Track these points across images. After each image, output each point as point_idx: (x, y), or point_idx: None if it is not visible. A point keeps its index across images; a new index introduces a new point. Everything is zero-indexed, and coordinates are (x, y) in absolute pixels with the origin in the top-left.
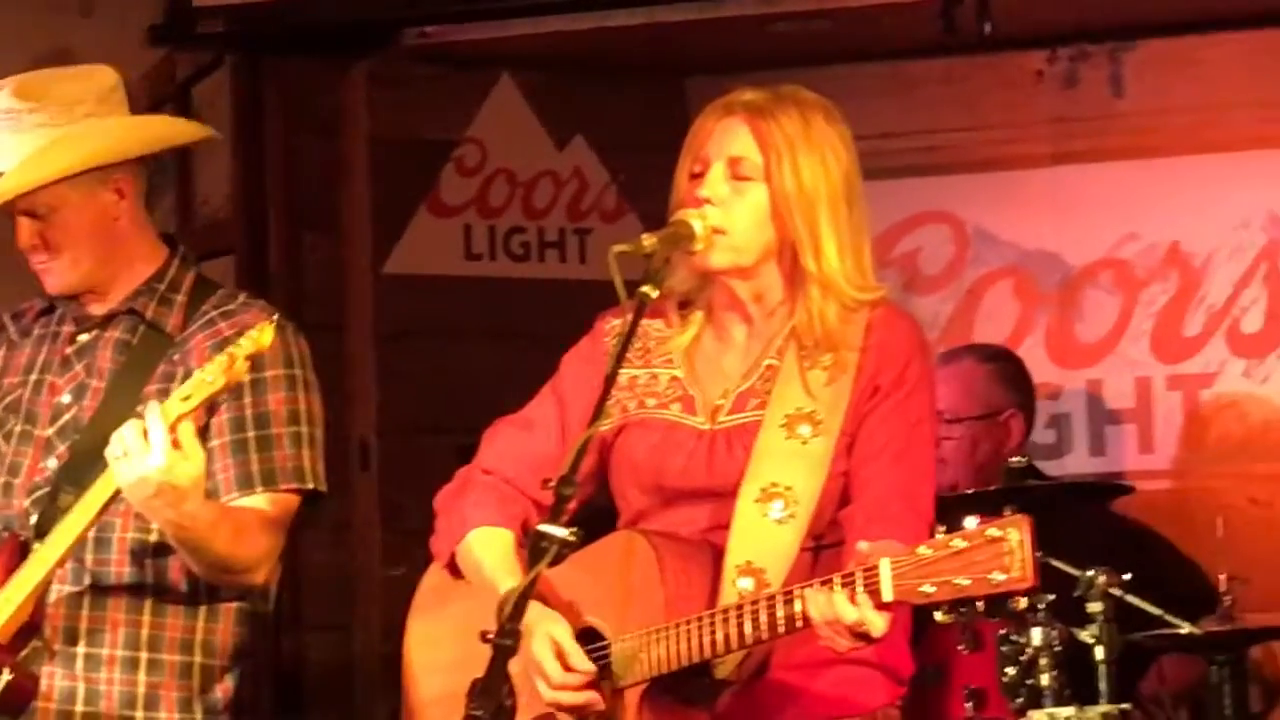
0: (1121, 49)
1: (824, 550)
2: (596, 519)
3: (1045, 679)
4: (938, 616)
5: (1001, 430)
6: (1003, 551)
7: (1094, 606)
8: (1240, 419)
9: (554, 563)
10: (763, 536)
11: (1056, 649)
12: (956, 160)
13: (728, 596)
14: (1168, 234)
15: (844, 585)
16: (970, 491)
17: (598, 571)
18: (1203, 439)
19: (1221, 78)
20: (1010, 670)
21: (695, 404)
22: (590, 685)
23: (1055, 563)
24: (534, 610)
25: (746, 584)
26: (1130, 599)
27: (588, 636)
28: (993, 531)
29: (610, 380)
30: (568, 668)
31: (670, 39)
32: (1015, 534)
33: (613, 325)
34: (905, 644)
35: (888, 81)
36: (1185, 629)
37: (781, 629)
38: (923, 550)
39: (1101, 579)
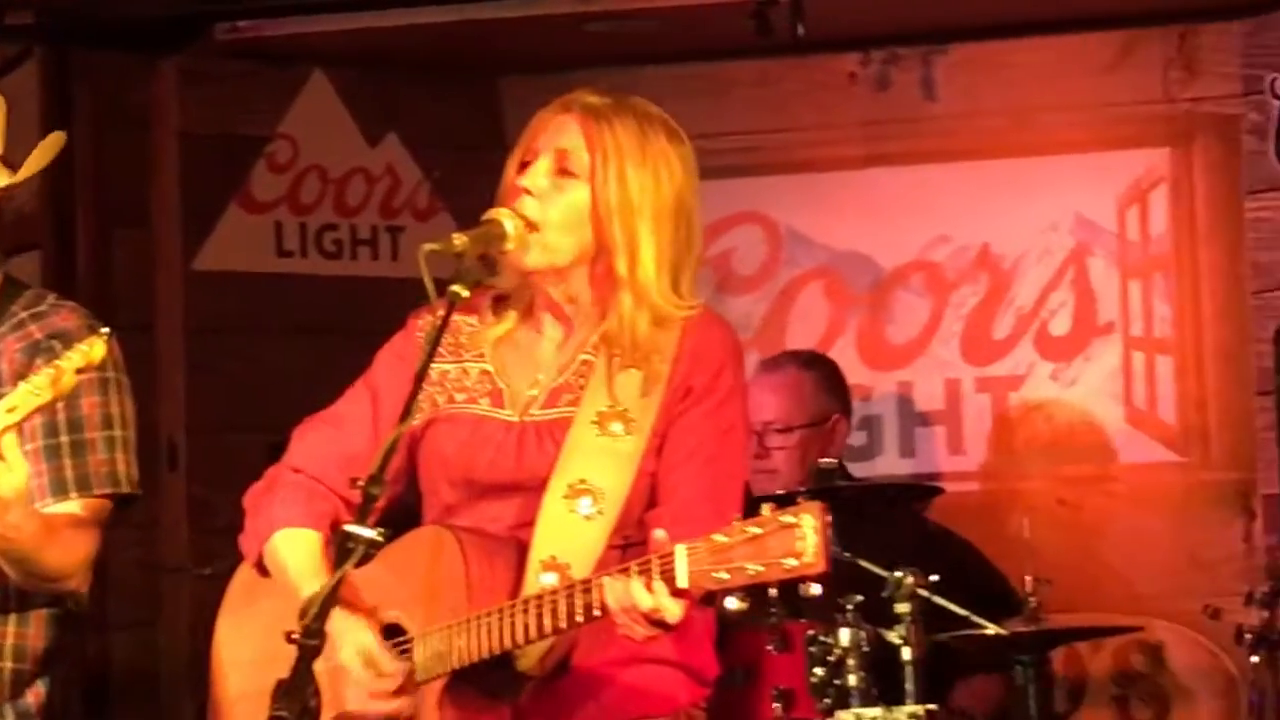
0: (933, 52)
1: (631, 549)
2: (406, 516)
3: (853, 679)
4: (731, 605)
5: (829, 436)
6: (795, 537)
7: (902, 607)
8: (1047, 421)
9: (361, 563)
10: (569, 532)
11: (864, 650)
12: (770, 161)
13: (530, 591)
14: (978, 237)
15: (640, 573)
16: (780, 493)
17: (403, 568)
18: (1011, 441)
19: (1031, 82)
20: (818, 671)
21: (504, 397)
22: (403, 687)
23: (864, 563)
24: (339, 619)
25: (550, 579)
26: (937, 600)
27: (391, 632)
28: (786, 518)
29: (420, 379)
30: (379, 674)
31: (485, 37)
32: (809, 519)
33: (425, 322)
34: (709, 645)
35: (703, 82)
36: (991, 630)
37: (580, 618)
38: (718, 537)
39: (909, 580)
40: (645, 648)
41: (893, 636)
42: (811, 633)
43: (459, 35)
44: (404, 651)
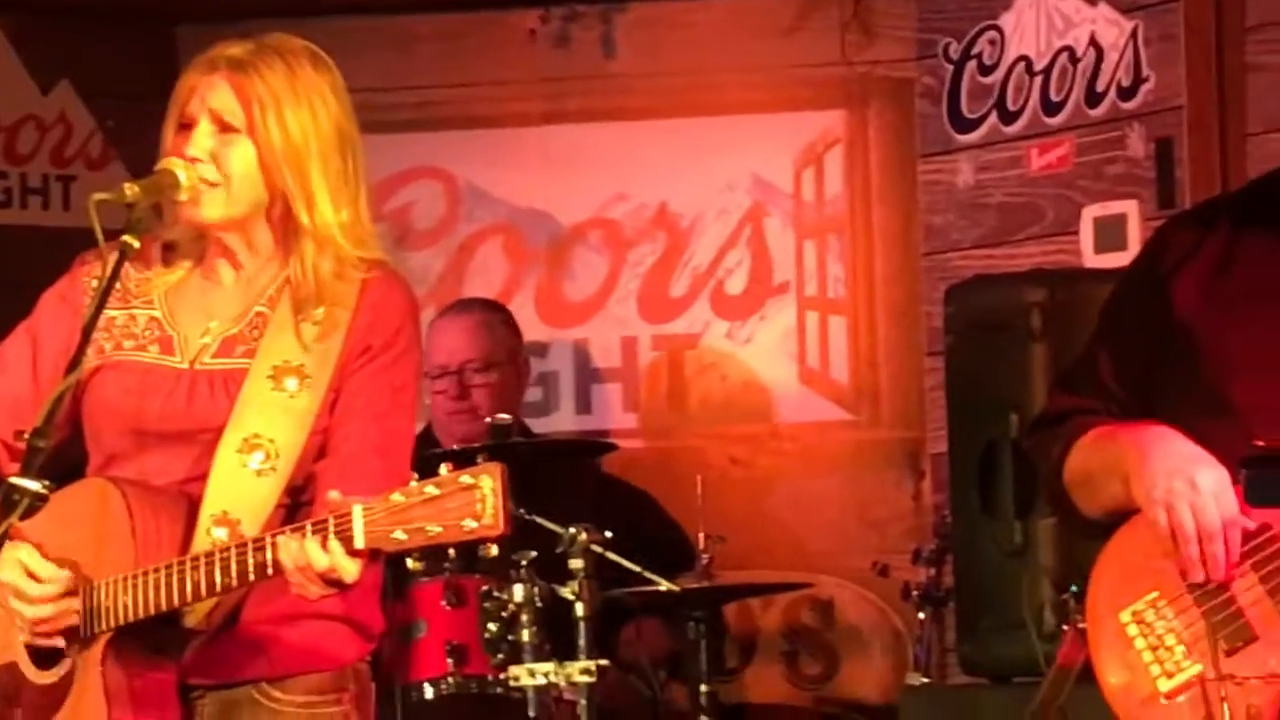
0: (613, 10)
1: (301, 506)
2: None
3: (526, 635)
4: (410, 564)
5: (523, 374)
6: (475, 499)
7: (575, 563)
8: (722, 380)
9: (25, 515)
10: (241, 487)
11: (538, 605)
12: (449, 116)
13: (200, 545)
14: (656, 195)
15: (316, 532)
16: (456, 448)
17: (68, 521)
18: (685, 399)
19: (710, 42)
20: (492, 626)
21: (174, 344)
22: (67, 594)
23: (538, 519)
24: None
25: (221, 534)
26: (611, 556)
27: None
28: (465, 479)
29: (88, 332)
30: (40, 580)
31: None
32: (488, 481)
33: (92, 268)
34: (375, 599)
35: (382, 36)
36: (664, 586)
37: (253, 577)
38: (396, 497)
39: (583, 536)
40: (312, 603)
41: (566, 592)
42: (485, 588)
43: None
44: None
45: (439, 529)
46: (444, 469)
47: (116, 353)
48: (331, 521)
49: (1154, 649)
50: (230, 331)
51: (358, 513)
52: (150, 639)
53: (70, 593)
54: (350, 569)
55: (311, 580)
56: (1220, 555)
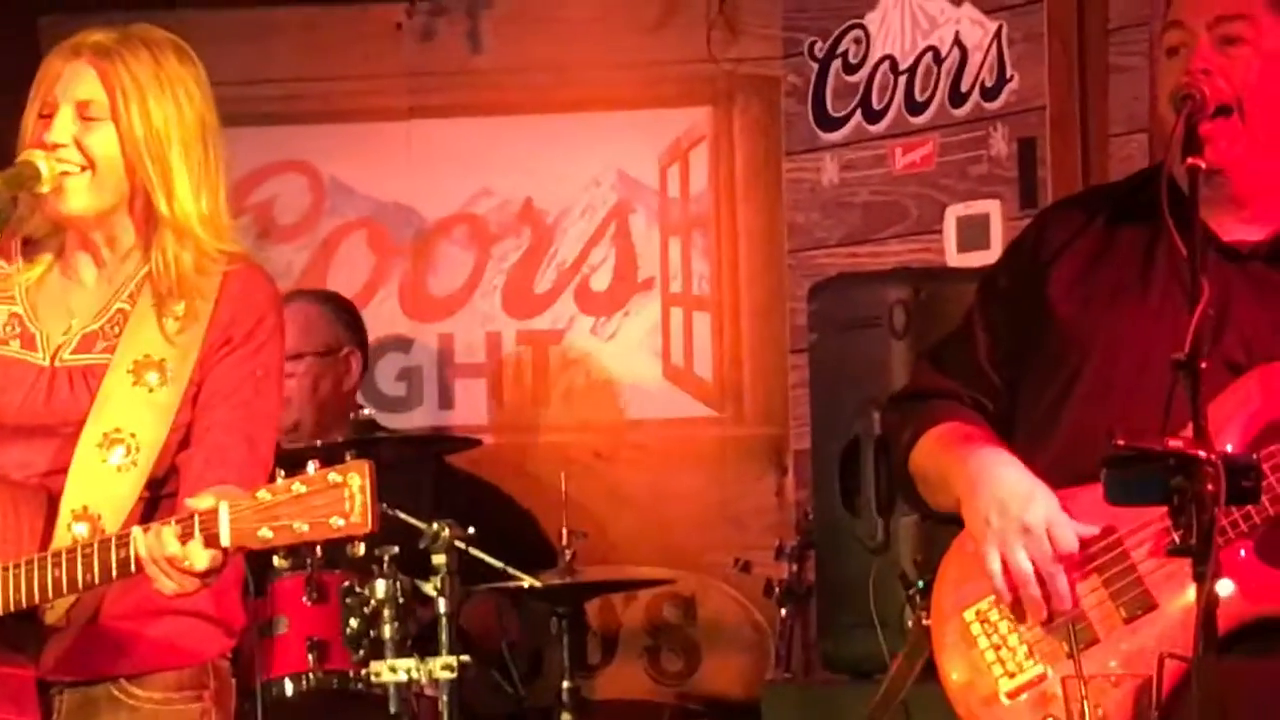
0: (479, 5)
1: (163, 499)
2: None
3: (388, 631)
4: (276, 562)
5: (342, 366)
6: (343, 496)
7: (438, 559)
8: (586, 375)
9: None
10: (101, 482)
11: (400, 601)
12: (313, 110)
13: (61, 540)
14: (521, 191)
15: (182, 531)
16: (318, 444)
17: None
18: (550, 394)
19: (577, 37)
20: (354, 622)
21: (36, 341)
22: None
23: (401, 515)
24: None
25: (81, 529)
26: (474, 552)
27: None
28: (334, 476)
29: None
30: None
31: None
32: (356, 478)
33: None
34: (236, 594)
35: (246, 27)
36: (526, 582)
37: (115, 573)
38: (262, 495)
39: (446, 532)
40: (172, 599)
41: (428, 588)
42: (347, 584)
43: None
44: None
45: (306, 527)
46: (311, 466)
47: None
48: (196, 520)
49: (996, 648)
50: (90, 328)
51: (224, 510)
52: (8, 635)
53: None
54: (201, 558)
55: (167, 573)
56: (1063, 588)
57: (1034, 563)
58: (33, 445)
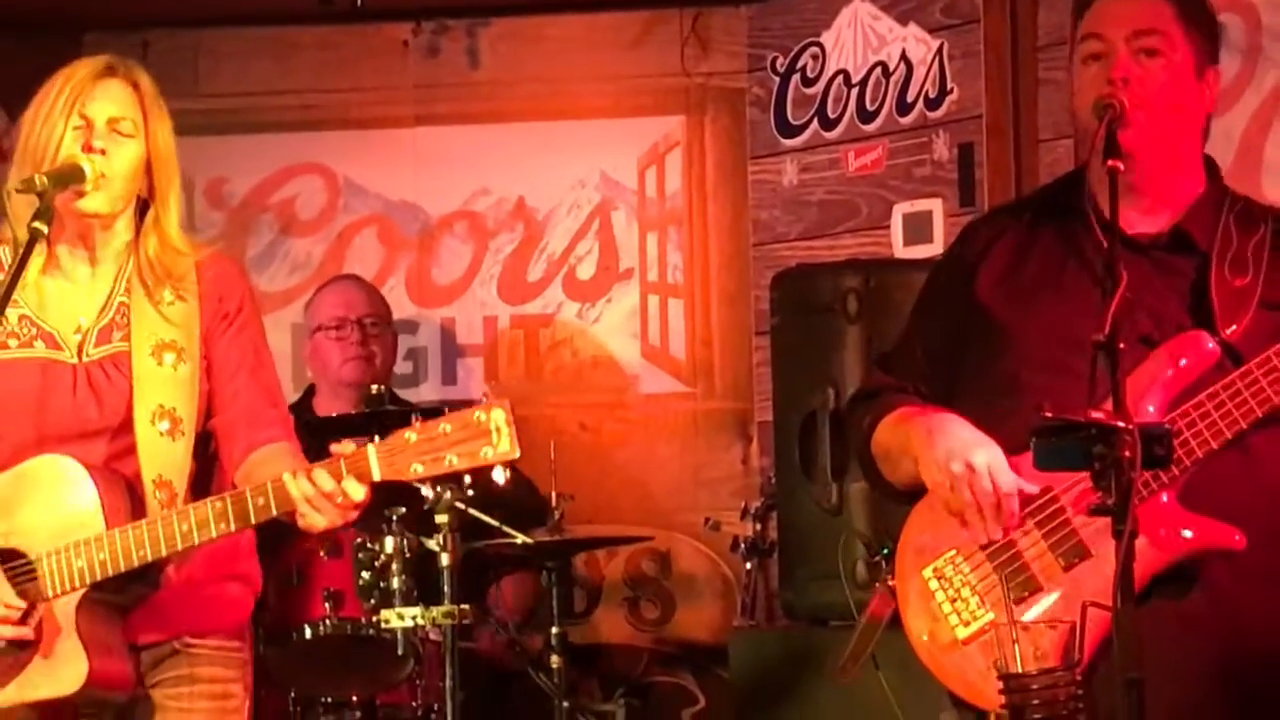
0: (478, 25)
1: (210, 463)
2: None
3: (396, 582)
4: (425, 491)
5: (396, 340)
6: (489, 430)
7: (441, 518)
8: (573, 355)
9: None
10: (164, 453)
11: (407, 556)
12: (330, 118)
13: (151, 508)
14: (515, 190)
15: (332, 472)
16: (335, 415)
17: (20, 497)
18: (540, 371)
19: (564, 54)
20: (365, 574)
21: (56, 339)
22: (26, 614)
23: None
24: None
25: (162, 496)
26: (473, 512)
27: (8, 556)
28: (478, 414)
29: (3, 302)
30: (6, 604)
31: None
32: (499, 414)
33: None
34: (256, 559)
35: (269, 45)
36: (520, 539)
37: (254, 518)
38: (409, 435)
39: (448, 494)
40: (221, 567)
41: (432, 544)
42: (359, 540)
43: None
44: (25, 572)
45: (456, 459)
46: (447, 410)
47: (4, 352)
48: (343, 462)
49: (952, 600)
50: (101, 323)
51: (371, 451)
52: (111, 597)
53: (24, 619)
54: (356, 490)
55: (322, 509)
56: (1005, 518)
57: (977, 496)
58: (88, 441)
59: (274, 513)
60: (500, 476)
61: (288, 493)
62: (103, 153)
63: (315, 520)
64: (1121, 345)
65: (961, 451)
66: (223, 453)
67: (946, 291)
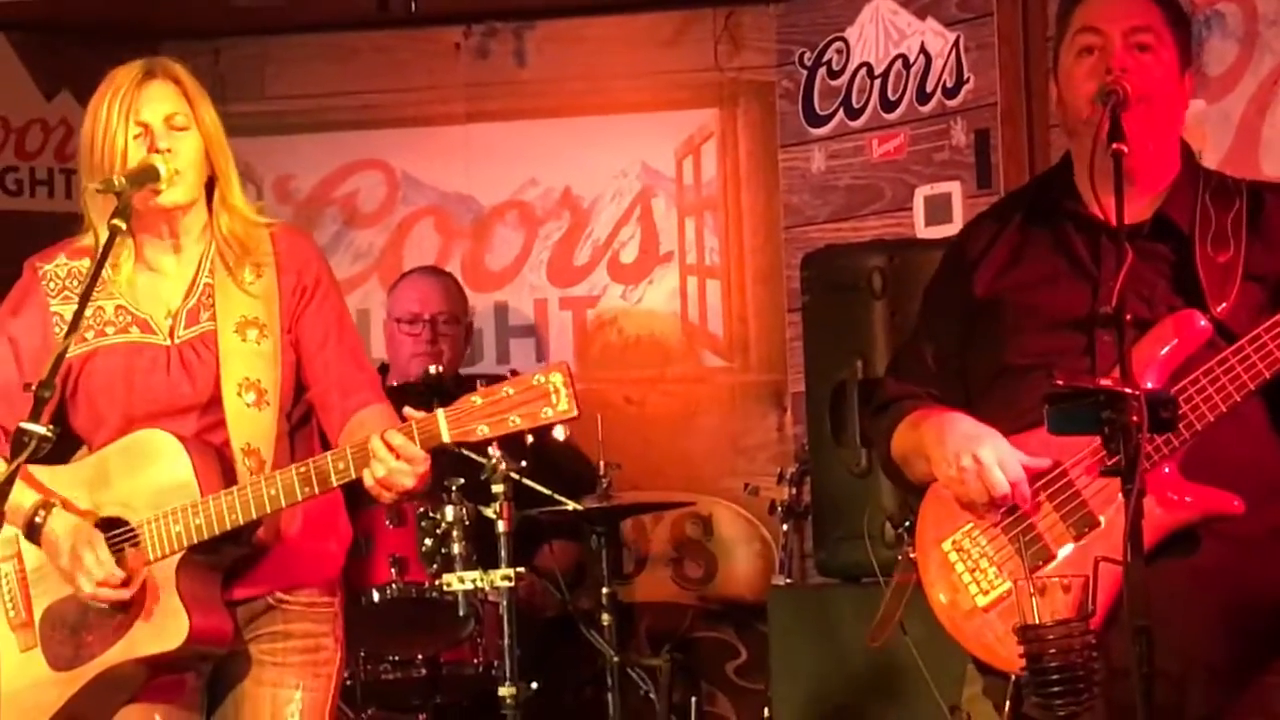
0: (524, 27)
1: (296, 430)
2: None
3: (456, 548)
4: (490, 451)
5: (470, 332)
6: (549, 391)
7: (497, 488)
8: (619, 333)
9: (33, 456)
10: (250, 422)
11: (466, 523)
12: (388, 117)
13: (241, 474)
14: (562, 180)
15: (406, 436)
16: (395, 384)
17: (123, 468)
18: (588, 349)
19: (604, 53)
20: (428, 541)
21: (150, 325)
22: (127, 579)
23: (465, 451)
24: (61, 519)
25: (250, 463)
26: (526, 482)
27: (111, 525)
28: (538, 378)
29: (85, 297)
30: (107, 569)
31: (146, 7)
32: (558, 376)
33: (42, 268)
34: (348, 524)
35: (329, 50)
36: (570, 506)
37: (334, 480)
38: (475, 399)
39: (503, 465)
40: (314, 528)
41: (489, 512)
42: (421, 510)
43: (124, 6)
44: (128, 538)
45: (519, 419)
46: (509, 375)
47: (100, 339)
48: (415, 426)
49: (971, 571)
50: (189, 305)
51: (440, 415)
52: (208, 557)
53: (126, 582)
54: (419, 453)
55: (397, 469)
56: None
57: (988, 488)
58: (182, 416)
59: (353, 476)
60: (561, 434)
61: (366, 457)
62: (169, 151)
63: (400, 480)
64: (1128, 317)
65: (969, 446)
66: (323, 423)
67: (948, 292)
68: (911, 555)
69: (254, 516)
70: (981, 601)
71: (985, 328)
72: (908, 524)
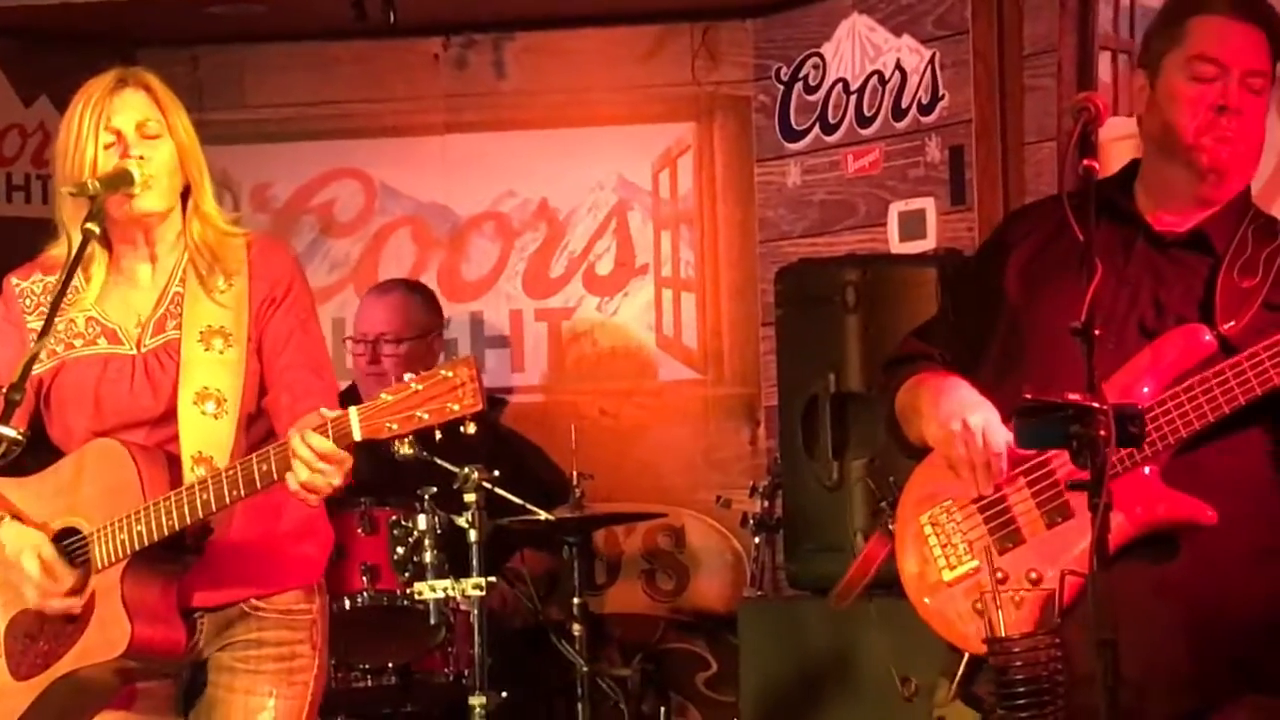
0: (503, 39)
1: (267, 440)
2: None
3: (428, 557)
4: (404, 450)
5: (429, 349)
6: (456, 385)
7: (469, 497)
8: (593, 345)
9: (2, 458)
10: (205, 430)
11: (438, 532)
12: (366, 126)
13: (188, 482)
14: (539, 192)
15: (318, 428)
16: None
17: (76, 479)
18: (563, 361)
19: (583, 66)
20: (400, 549)
21: (119, 335)
22: (74, 588)
23: (439, 461)
24: (10, 530)
25: (201, 471)
26: (499, 491)
27: (66, 534)
28: (445, 372)
29: (56, 303)
30: (55, 578)
31: (124, 14)
32: (464, 370)
33: (19, 285)
34: (329, 529)
35: (308, 59)
36: (543, 516)
37: (259, 484)
38: (384, 397)
39: (475, 475)
40: (287, 531)
41: (461, 521)
42: (394, 518)
43: (102, 13)
44: (82, 547)
45: (427, 415)
46: (422, 372)
47: (70, 351)
48: (330, 424)
49: (943, 545)
50: (157, 314)
51: (353, 413)
52: (157, 565)
53: (75, 591)
54: (344, 454)
55: (318, 469)
56: (988, 474)
57: (969, 452)
58: (143, 428)
59: (277, 478)
60: (471, 429)
61: (288, 457)
62: (141, 158)
63: (322, 483)
64: (1098, 331)
65: (960, 411)
66: (276, 427)
67: (981, 272)
68: (891, 527)
69: (189, 522)
70: (947, 576)
71: (1002, 317)
72: (889, 499)
